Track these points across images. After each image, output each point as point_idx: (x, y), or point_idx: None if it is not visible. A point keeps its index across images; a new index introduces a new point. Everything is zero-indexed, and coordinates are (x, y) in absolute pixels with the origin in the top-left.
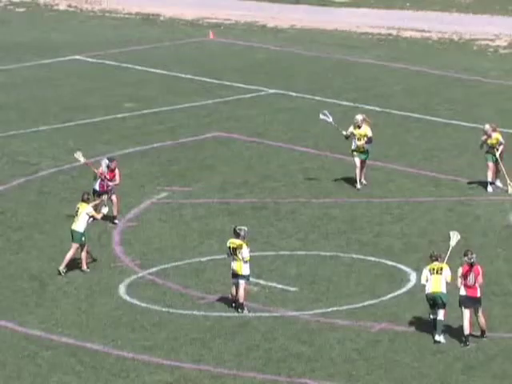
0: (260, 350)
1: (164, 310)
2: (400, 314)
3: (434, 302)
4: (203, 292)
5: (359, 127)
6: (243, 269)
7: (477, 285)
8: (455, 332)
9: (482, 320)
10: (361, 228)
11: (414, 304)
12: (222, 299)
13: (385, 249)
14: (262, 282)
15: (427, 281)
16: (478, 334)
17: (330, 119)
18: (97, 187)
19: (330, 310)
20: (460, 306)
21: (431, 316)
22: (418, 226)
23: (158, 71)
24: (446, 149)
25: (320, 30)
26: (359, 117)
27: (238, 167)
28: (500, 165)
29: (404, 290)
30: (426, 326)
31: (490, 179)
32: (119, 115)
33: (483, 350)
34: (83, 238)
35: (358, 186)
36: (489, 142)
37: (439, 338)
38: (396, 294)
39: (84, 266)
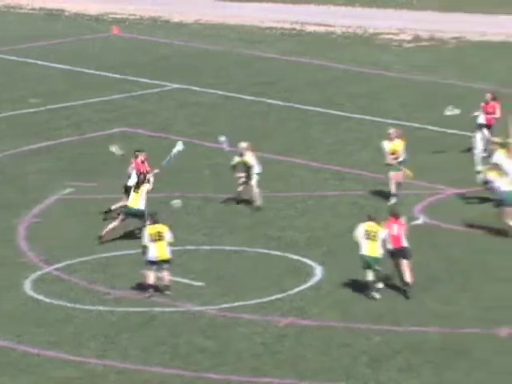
0: (166, 344)
1: (70, 305)
2: (306, 308)
3: (368, 264)
4: (109, 287)
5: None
6: (167, 252)
7: (401, 235)
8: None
9: (407, 271)
10: (266, 222)
11: (320, 298)
12: (128, 294)
13: (290, 243)
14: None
15: (362, 240)
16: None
17: None
18: (131, 183)
19: (236, 304)
20: (391, 258)
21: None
22: (322, 220)
23: (62, 66)
24: (349, 143)
25: (224, 24)
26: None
27: None
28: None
29: (310, 284)
30: (332, 320)
31: (393, 191)
32: (24, 110)
33: (388, 343)
34: None
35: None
36: (391, 147)
37: (374, 294)
38: (302, 288)
39: None
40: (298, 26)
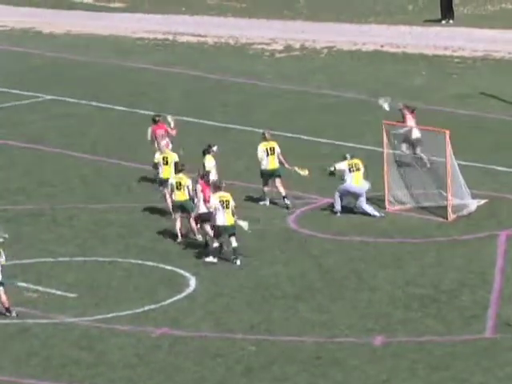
0: (39, 356)
1: None
2: (180, 319)
3: (227, 232)
4: None
5: None
6: None
7: None
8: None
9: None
10: (139, 232)
11: (194, 309)
12: None
13: (163, 253)
14: (40, 288)
15: (217, 210)
16: None
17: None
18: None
19: (109, 315)
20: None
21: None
22: None
23: None
24: (222, 152)
25: (95, 35)
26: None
27: (14, 174)
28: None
29: (184, 294)
30: (206, 330)
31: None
32: None
33: (264, 352)
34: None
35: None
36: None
37: (237, 261)
38: (176, 298)
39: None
40: (170, 37)
